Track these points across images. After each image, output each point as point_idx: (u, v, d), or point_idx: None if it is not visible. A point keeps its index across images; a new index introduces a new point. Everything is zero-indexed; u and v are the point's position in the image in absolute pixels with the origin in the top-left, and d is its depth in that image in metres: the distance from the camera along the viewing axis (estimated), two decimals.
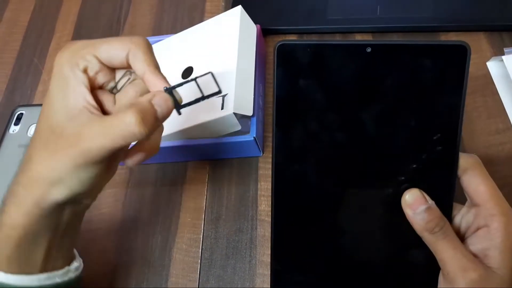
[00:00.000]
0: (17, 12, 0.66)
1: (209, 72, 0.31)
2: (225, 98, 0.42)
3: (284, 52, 0.27)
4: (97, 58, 0.29)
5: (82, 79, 0.28)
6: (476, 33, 0.51)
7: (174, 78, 0.48)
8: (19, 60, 0.62)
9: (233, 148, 0.45)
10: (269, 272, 0.32)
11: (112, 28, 0.61)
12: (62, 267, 0.32)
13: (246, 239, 0.43)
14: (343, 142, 0.28)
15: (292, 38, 0.54)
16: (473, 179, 0.28)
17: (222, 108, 0.42)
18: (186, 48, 0.50)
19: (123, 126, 0.26)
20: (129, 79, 0.31)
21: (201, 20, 0.58)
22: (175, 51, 0.51)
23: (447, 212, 0.28)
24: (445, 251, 0.27)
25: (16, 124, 0.54)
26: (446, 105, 0.27)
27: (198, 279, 0.42)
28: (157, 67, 0.30)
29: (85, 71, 0.28)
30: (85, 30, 0.62)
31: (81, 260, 0.35)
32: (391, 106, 0.28)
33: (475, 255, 0.27)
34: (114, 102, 0.31)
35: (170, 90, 0.29)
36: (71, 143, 0.27)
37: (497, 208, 0.27)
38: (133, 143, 0.31)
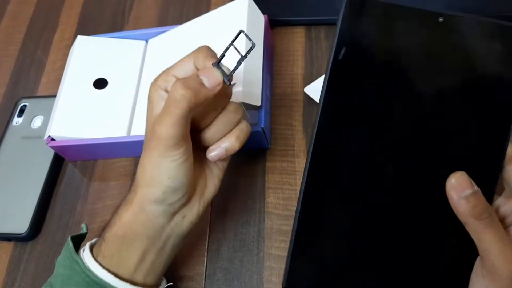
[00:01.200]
0: (21, 4, 0.66)
1: (240, 31, 0.32)
2: (233, 88, 0.42)
3: (353, 8, 0.26)
4: (175, 76, 0.33)
5: (163, 96, 0.33)
6: None
7: None
8: (22, 53, 0.61)
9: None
10: (283, 264, 0.30)
11: (116, 20, 0.61)
12: (151, 284, 0.34)
13: (254, 232, 0.43)
14: (395, 115, 0.27)
15: (300, 29, 0.53)
16: None
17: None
18: (193, 38, 0.49)
19: (171, 95, 0.30)
20: None
21: (207, 10, 0.58)
22: (181, 41, 0.50)
23: (489, 201, 0.27)
24: (491, 241, 0.26)
25: (19, 116, 0.54)
26: (507, 90, 0.26)
27: (204, 271, 0.41)
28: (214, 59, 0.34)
29: (166, 90, 0.33)
30: (89, 22, 0.62)
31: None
32: (452, 83, 0.26)
33: None
34: None
35: (216, 64, 0.32)
36: (151, 138, 0.32)
37: None
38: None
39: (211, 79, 0.32)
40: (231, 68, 0.33)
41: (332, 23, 0.52)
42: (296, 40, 0.53)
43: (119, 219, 0.33)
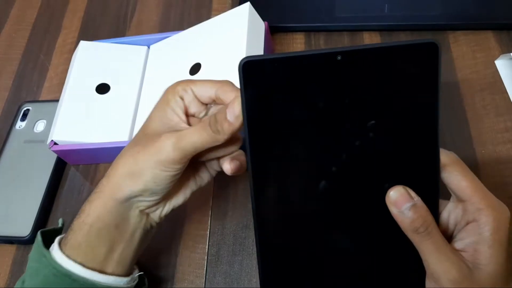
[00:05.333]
0: (24, 9, 0.67)
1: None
2: None
3: (251, 70, 0.25)
4: (192, 91, 0.33)
5: (179, 103, 0.33)
6: (484, 32, 0.51)
7: (182, 74, 0.48)
8: (25, 57, 0.62)
9: None
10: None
11: (119, 25, 0.61)
12: (122, 273, 0.34)
13: (253, 236, 0.43)
14: (324, 150, 0.27)
15: (300, 36, 0.54)
16: (454, 175, 0.27)
17: None
18: (194, 44, 0.50)
19: (219, 125, 0.30)
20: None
21: (208, 17, 0.59)
22: (183, 48, 0.51)
23: (433, 209, 0.28)
24: (429, 252, 0.27)
25: (22, 120, 0.54)
26: (423, 104, 0.27)
27: (204, 275, 0.42)
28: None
29: (182, 98, 0.33)
30: (92, 27, 0.62)
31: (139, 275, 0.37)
32: (368, 111, 0.27)
33: (464, 251, 0.27)
34: None
35: None
36: (157, 139, 0.31)
37: (483, 202, 0.27)
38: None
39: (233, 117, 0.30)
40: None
41: (332, 30, 0.53)
42: (296, 46, 0.54)
43: (89, 205, 0.33)
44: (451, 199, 0.29)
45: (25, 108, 0.55)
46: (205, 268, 0.42)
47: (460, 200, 0.28)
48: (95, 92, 0.50)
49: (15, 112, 0.55)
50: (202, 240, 0.44)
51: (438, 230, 0.27)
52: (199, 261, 0.43)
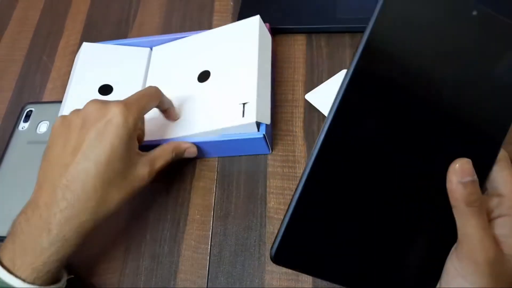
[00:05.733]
0: (26, 10, 0.67)
1: None
2: (246, 105, 0.43)
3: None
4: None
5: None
6: None
7: (190, 80, 0.49)
8: (28, 58, 0.62)
9: (242, 145, 0.46)
10: (283, 269, 0.30)
11: (121, 27, 0.62)
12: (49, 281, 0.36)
13: (255, 236, 0.43)
14: (412, 99, 0.28)
15: (301, 37, 0.54)
16: (504, 170, 0.29)
17: (243, 116, 0.43)
18: (201, 51, 0.50)
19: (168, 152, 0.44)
20: None
21: (210, 19, 0.59)
22: (188, 53, 0.51)
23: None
24: (475, 227, 0.27)
25: (25, 121, 0.54)
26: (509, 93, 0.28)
27: (207, 275, 0.42)
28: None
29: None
30: (94, 28, 0.63)
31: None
32: (469, 76, 0.28)
33: None
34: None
35: None
36: (125, 177, 0.39)
37: None
38: None
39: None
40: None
41: (333, 32, 0.53)
42: (298, 47, 0.54)
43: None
44: (486, 192, 0.30)
45: (28, 109, 0.55)
46: (207, 269, 0.43)
47: (497, 194, 0.29)
48: (97, 93, 0.50)
49: (18, 113, 0.55)
50: (204, 241, 0.44)
51: (485, 212, 0.28)
52: (201, 261, 0.43)
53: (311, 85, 0.51)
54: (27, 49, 0.63)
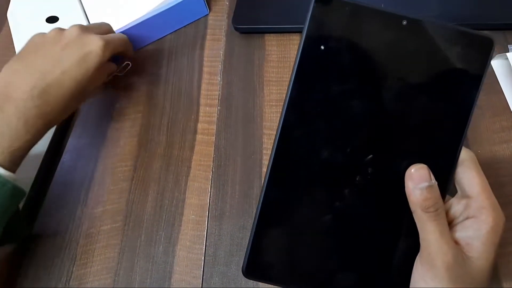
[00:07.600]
0: None
1: None
2: None
3: (321, 5, 0.27)
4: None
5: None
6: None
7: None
8: None
9: (180, 11, 0.52)
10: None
11: None
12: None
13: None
14: (357, 113, 0.28)
15: (297, 37, 0.54)
16: (469, 171, 0.29)
17: None
18: None
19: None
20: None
21: (205, 19, 0.59)
22: None
23: (442, 197, 0.29)
24: (432, 232, 0.27)
25: None
26: (463, 92, 0.28)
27: (202, 275, 0.42)
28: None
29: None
30: None
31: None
32: (412, 83, 0.28)
33: (457, 243, 0.28)
34: None
35: None
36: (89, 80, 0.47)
37: (488, 202, 0.28)
38: None
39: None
40: None
41: None
42: (293, 47, 0.54)
43: None
44: (456, 195, 0.30)
45: None
46: (202, 269, 0.42)
47: (465, 196, 0.29)
48: (45, 22, 0.55)
49: None
50: (199, 241, 0.44)
51: (445, 216, 0.28)
52: (196, 262, 0.43)
53: None
54: None
